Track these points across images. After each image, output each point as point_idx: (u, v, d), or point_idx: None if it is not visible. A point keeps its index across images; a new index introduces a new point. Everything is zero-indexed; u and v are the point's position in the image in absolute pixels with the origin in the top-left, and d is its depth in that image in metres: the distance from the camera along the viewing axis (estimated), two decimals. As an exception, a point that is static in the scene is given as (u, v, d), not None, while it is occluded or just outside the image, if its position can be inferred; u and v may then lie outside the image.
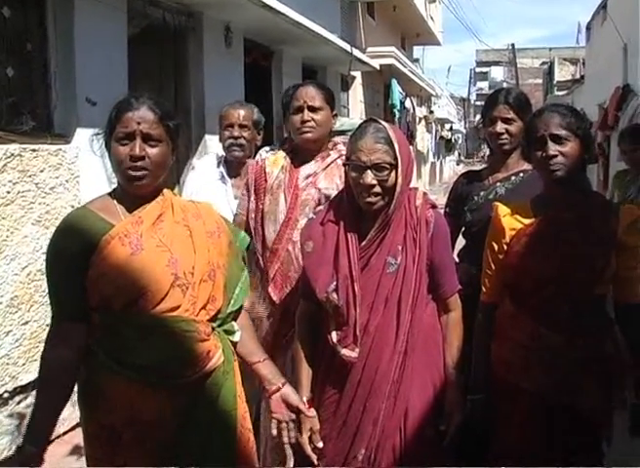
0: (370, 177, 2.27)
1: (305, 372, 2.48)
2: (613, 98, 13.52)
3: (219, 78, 7.03)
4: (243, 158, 3.63)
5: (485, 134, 3.18)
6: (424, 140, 23.08)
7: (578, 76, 23.44)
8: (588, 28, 19.79)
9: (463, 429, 2.41)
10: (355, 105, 14.26)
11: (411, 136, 18.28)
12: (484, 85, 62.86)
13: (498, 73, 58.32)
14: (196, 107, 6.77)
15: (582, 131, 2.42)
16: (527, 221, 2.49)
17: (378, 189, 2.29)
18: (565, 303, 2.39)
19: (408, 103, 17.29)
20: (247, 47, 8.01)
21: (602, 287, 2.42)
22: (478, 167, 3.74)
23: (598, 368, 2.40)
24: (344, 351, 2.31)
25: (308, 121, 2.95)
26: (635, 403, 2.45)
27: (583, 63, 22.48)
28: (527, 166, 3.03)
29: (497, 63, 53.35)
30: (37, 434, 2.02)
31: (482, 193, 3.11)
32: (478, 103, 62.52)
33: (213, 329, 2.14)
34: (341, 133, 3.84)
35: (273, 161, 3.09)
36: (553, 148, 2.38)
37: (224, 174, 3.66)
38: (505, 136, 3.06)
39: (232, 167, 3.67)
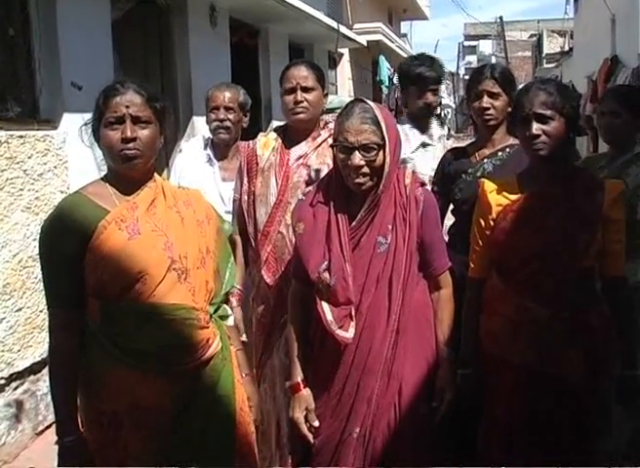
0: (358, 158, 2.28)
1: (299, 353, 2.50)
2: (601, 71, 13.50)
3: (205, 58, 6.99)
4: (229, 140, 3.63)
5: (470, 108, 3.17)
6: (413, 116, 22.97)
7: (566, 48, 23.40)
8: (576, 0, 19.73)
9: (455, 404, 2.45)
10: (343, 83, 14.23)
11: (400, 113, 18.23)
12: (473, 59, 62.52)
13: (486, 47, 58.05)
14: (183, 89, 6.73)
15: (568, 109, 2.43)
16: (513, 197, 2.52)
17: (366, 170, 2.30)
18: (551, 277, 2.42)
19: (396, 79, 17.22)
20: (232, 26, 7.95)
21: (588, 260, 2.45)
22: (467, 141, 3.74)
23: (584, 340, 2.44)
24: (338, 331, 2.33)
25: (301, 101, 2.95)
26: (621, 374, 2.50)
27: (572, 35, 22.44)
28: (513, 140, 3.04)
29: (485, 37, 53.08)
30: (67, 424, 2.07)
31: (470, 170, 3.12)
32: (467, 77, 62.24)
33: (210, 316, 2.17)
34: (330, 110, 3.84)
35: (264, 143, 3.09)
36: (537, 127, 2.41)
37: (212, 156, 3.65)
38: (491, 110, 3.06)
39: (219, 149, 3.66)
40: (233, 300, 3.00)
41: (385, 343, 2.36)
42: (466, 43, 59.47)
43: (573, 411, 2.46)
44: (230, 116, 3.58)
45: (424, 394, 2.42)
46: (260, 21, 8.86)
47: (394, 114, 17.57)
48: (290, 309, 2.60)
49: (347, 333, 2.34)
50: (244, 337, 2.99)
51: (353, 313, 2.34)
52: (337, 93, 13.64)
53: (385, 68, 15.53)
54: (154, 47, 6.62)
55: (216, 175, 3.60)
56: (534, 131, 2.40)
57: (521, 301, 2.47)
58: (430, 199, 2.49)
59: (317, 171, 2.97)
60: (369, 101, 2.38)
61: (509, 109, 2.98)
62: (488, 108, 3.06)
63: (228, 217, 3.15)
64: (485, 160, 3.11)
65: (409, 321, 2.39)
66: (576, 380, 2.44)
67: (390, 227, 2.37)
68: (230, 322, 2.35)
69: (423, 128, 3.80)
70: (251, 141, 3.16)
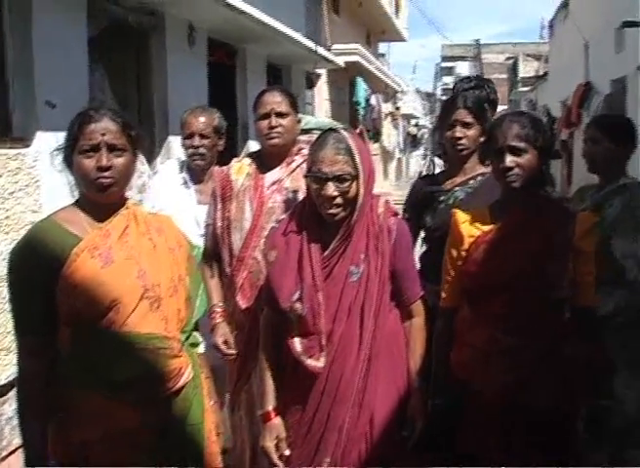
0: (331, 189, 2.29)
1: (271, 381, 2.49)
2: (575, 96, 13.74)
3: (182, 78, 6.99)
4: (205, 166, 3.62)
5: (443, 138, 3.18)
6: (391, 137, 23.15)
7: (541, 72, 23.73)
8: (551, 25, 20.05)
9: (427, 434, 2.44)
10: (320, 103, 14.29)
11: (377, 134, 18.38)
12: (449, 80, 63.23)
13: (463, 68, 58.64)
14: (160, 108, 6.72)
15: (541, 141, 2.46)
16: (485, 228, 2.54)
17: (339, 200, 2.31)
18: (521, 308, 2.44)
19: (373, 100, 17.37)
20: (211, 46, 7.97)
21: (559, 291, 2.47)
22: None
23: (555, 370, 2.46)
24: (309, 361, 2.33)
25: (276, 126, 2.97)
26: (592, 403, 2.52)
27: (547, 60, 22.79)
28: (484, 169, 3.07)
29: (462, 58, 53.72)
30: (36, 454, 2.04)
31: (442, 198, 3.14)
32: (444, 98, 62.95)
33: (182, 344, 2.16)
34: (307, 131, 3.85)
35: (238, 168, 3.10)
36: (510, 160, 2.43)
37: (187, 179, 3.64)
38: (464, 140, 3.09)
39: (195, 172, 3.66)
40: (217, 317, 2.99)
41: (357, 372, 2.35)
42: (444, 64, 60.15)
43: (545, 442, 2.47)
44: (205, 142, 3.57)
45: (396, 423, 2.42)
46: (238, 41, 8.89)
47: (372, 136, 17.70)
48: (262, 337, 2.59)
49: (318, 363, 2.33)
50: (234, 350, 2.99)
51: (324, 342, 2.34)
52: (313, 113, 13.71)
53: (362, 89, 15.67)
54: (132, 65, 6.61)
55: (192, 198, 3.59)
56: (507, 163, 2.43)
57: (492, 332, 2.48)
58: (403, 228, 2.50)
59: (292, 196, 2.97)
60: (343, 131, 2.38)
61: (481, 138, 3.02)
62: (461, 138, 3.08)
63: (203, 240, 3.15)
64: (457, 188, 3.13)
65: (381, 350, 2.39)
66: (547, 410, 2.45)
67: (363, 257, 2.37)
68: (201, 349, 2.34)
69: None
70: (225, 167, 3.16)
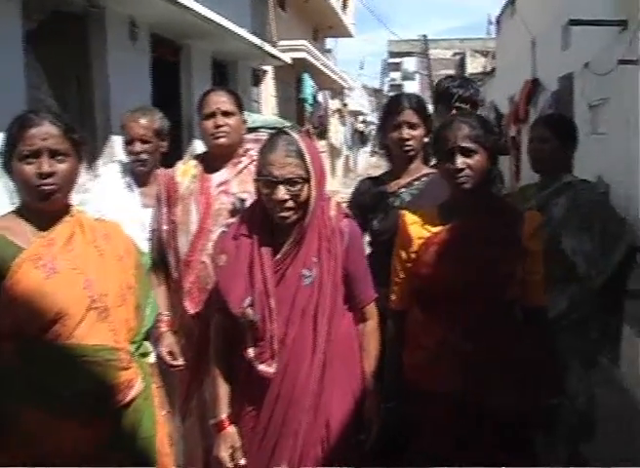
0: (282, 192, 2.29)
1: (223, 388, 2.48)
2: (523, 92, 14.03)
3: (124, 74, 6.92)
4: (148, 170, 3.55)
5: (387, 139, 3.19)
6: (338, 133, 23.24)
7: (489, 68, 24.12)
8: (498, 21, 20.39)
9: (383, 437, 2.47)
10: (267, 100, 14.28)
11: (324, 131, 18.43)
12: (397, 75, 63.84)
13: (410, 64, 59.37)
14: (101, 106, 6.64)
15: (490, 142, 2.51)
16: (434, 229, 2.56)
17: (291, 204, 2.31)
18: (473, 310, 2.47)
19: (320, 97, 17.42)
20: (153, 41, 7.92)
21: (510, 292, 2.51)
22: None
23: (508, 370, 2.49)
24: (262, 366, 2.33)
25: (222, 126, 2.96)
26: (549, 404, 2.57)
27: (494, 56, 23.16)
28: (427, 170, 3.12)
29: (409, 54, 54.23)
30: None
31: (387, 201, 3.15)
32: (391, 94, 63.32)
33: (132, 355, 2.14)
34: (253, 129, 3.84)
35: (183, 170, 3.07)
36: (461, 161, 2.46)
37: (131, 182, 3.58)
38: (411, 141, 3.10)
39: (139, 175, 3.60)
40: (162, 326, 2.95)
41: (312, 376, 2.36)
42: (391, 60, 60.70)
43: (501, 442, 2.50)
44: (146, 147, 3.48)
45: (352, 427, 2.44)
46: (182, 38, 8.83)
47: (319, 133, 17.72)
48: (213, 343, 2.57)
49: (271, 368, 2.34)
50: (181, 361, 2.96)
51: (277, 347, 2.34)
52: (260, 111, 13.68)
53: (309, 86, 15.70)
54: (71, 61, 6.49)
55: (136, 201, 3.54)
56: (458, 164, 2.46)
57: (444, 334, 2.50)
58: (355, 230, 2.52)
59: (240, 198, 2.96)
60: (293, 133, 2.38)
61: (426, 139, 3.08)
62: (408, 139, 3.10)
63: (149, 244, 3.11)
64: (402, 190, 3.14)
65: (335, 353, 2.40)
66: (502, 411, 2.48)
67: (315, 260, 2.38)
68: (152, 359, 2.32)
69: None
70: (169, 169, 3.13)
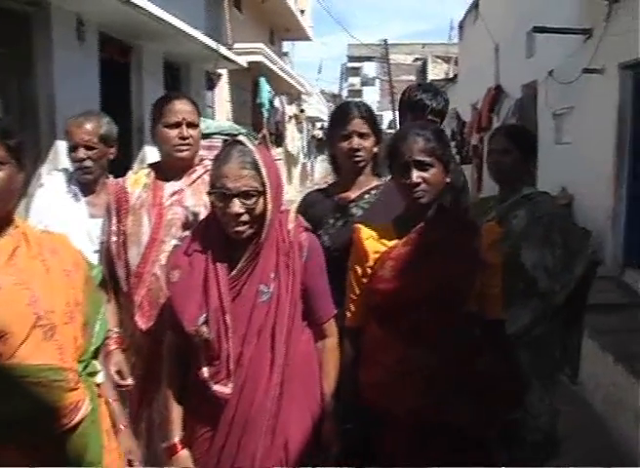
0: (237, 206, 2.28)
1: (176, 410, 2.46)
2: (485, 99, 14.21)
3: (71, 76, 6.82)
4: (94, 179, 3.48)
5: (335, 149, 3.16)
6: (295, 140, 23.24)
7: (451, 74, 24.44)
8: (461, 26, 20.67)
9: (341, 459, 2.47)
10: (221, 105, 14.25)
11: (280, 137, 18.42)
12: (356, 81, 64.36)
13: (370, 69, 59.91)
14: (46, 110, 6.53)
15: (446, 155, 2.54)
16: (390, 244, 2.57)
17: (246, 217, 2.31)
18: (433, 325, 2.49)
19: (277, 102, 17.42)
20: (102, 41, 7.84)
21: (470, 305, 2.53)
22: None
23: (471, 386, 2.51)
24: (217, 387, 2.32)
25: (188, 138, 2.97)
26: (509, 418, 2.60)
27: (457, 62, 23.47)
28: (377, 182, 3.13)
29: (369, 59, 54.71)
30: None
31: (337, 215, 3.12)
32: (350, 100, 63.77)
33: (79, 375, 2.08)
34: (207, 136, 3.81)
35: (135, 180, 3.05)
36: (417, 175, 2.48)
37: (77, 191, 3.51)
38: (362, 151, 3.07)
39: (85, 184, 3.53)
40: (111, 343, 2.91)
41: (269, 397, 2.36)
42: (350, 64, 61.16)
43: (463, 459, 2.51)
44: (91, 153, 3.40)
45: (311, 449, 2.43)
46: (132, 38, 8.76)
47: (276, 139, 17.66)
48: (166, 362, 2.55)
49: (226, 389, 2.33)
50: (129, 381, 2.92)
51: (232, 367, 2.33)
52: (214, 115, 13.63)
53: (266, 91, 15.69)
54: (12, 61, 6.37)
55: (82, 211, 3.47)
56: (414, 179, 2.47)
57: (405, 350, 2.51)
58: (314, 244, 2.53)
59: (194, 208, 2.96)
60: (248, 143, 2.37)
61: (375, 149, 3.08)
62: (358, 149, 3.07)
63: (97, 257, 3.06)
64: (352, 203, 3.12)
65: (294, 373, 2.40)
66: (465, 427, 2.50)
67: (273, 275, 2.38)
68: (100, 378, 2.27)
69: None
70: (120, 179, 3.10)
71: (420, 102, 3.72)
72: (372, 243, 2.60)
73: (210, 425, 2.38)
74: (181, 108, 2.98)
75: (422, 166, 2.48)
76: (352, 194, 3.14)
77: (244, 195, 2.28)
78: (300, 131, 25.76)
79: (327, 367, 2.53)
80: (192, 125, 2.99)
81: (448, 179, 2.58)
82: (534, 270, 3.22)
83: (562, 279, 3.25)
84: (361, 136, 3.07)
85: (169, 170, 3.05)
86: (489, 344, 2.62)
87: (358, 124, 3.07)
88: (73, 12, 6.93)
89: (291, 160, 23.40)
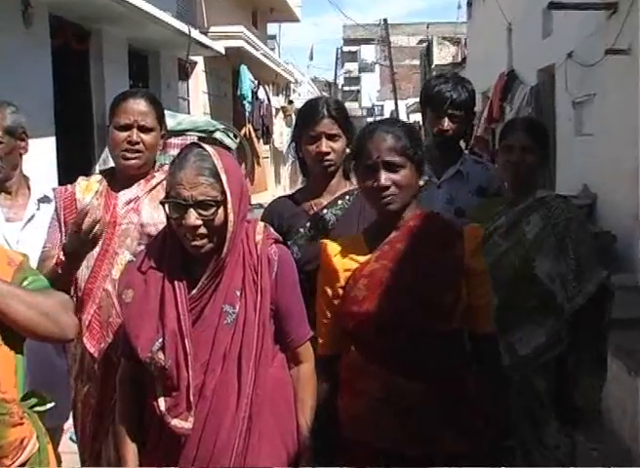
0: (193, 217, 2.29)
1: (130, 448, 2.47)
2: (497, 86, 14.19)
3: (17, 65, 6.81)
4: (5, 177, 3.43)
5: (303, 151, 3.19)
6: (283, 136, 23.27)
7: (459, 58, 24.47)
8: (470, 4, 20.69)
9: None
10: (197, 97, 14.25)
11: (267, 133, 18.42)
12: (353, 67, 64.48)
13: (368, 53, 60.00)
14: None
15: (419, 155, 2.54)
16: (362, 259, 2.58)
17: (204, 230, 2.32)
18: (416, 346, 2.49)
19: (261, 93, 17.42)
20: (54, 26, 7.82)
21: (456, 321, 2.53)
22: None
23: (458, 412, 2.53)
24: (175, 422, 2.32)
25: (137, 143, 2.97)
26: (503, 445, 2.61)
27: (465, 44, 23.50)
28: (350, 186, 3.16)
29: (367, 41, 54.82)
30: None
31: (308, 223, 3.15)
32: (347, 89, 63.94)
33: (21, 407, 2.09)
34: (179, 133, 3.81)
35: (86, 186, 3.07)
36: (386, 177, 2.48)
37: None
38: (332, 155, 3.10)
39: None
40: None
41: (235, 432, 2.36)
42: (346, 48, 61.22)
43: None
44: None
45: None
46: (90, 22, 8.77)
47: (262, 135, 17.61)
48: (119, 394, 2.56)
49: (186, 423, 2.32)
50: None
51: (193, 399, 2.33)
52: (189, 109, 13.64)
53: (248, 80, 15.68)
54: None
55: None
56: (382, 181, 2.47)
57: (387, 376, 2.52)
58: (286, 258, 2.54)
59: (152, 217, 2.98)
60: (207, 147, 2.39)
61: (347, 151, 3.10)
62: (328, 153, 3.09)
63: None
64: (324, 210, 3.15)
65: (264, 404, 2.41)
66: (451, 457, 2.49)
67: (239, 294, 2.39)
68: (49, 405, 2.26)
69: (435, 163, 3.72)
70: (69, 185, 3.12)
71: (439, 95, 3.71)
72: (341, 260, 2.61)
73: (169, 466, 2.37)
74: (134, 108, 2.99)
75: (392, 167, 2.48)
76: (324, 200, 3.18)
77: (201, 205, 2.29)
78: (289, 125, 25.76)
79: (303, 395, 2.54)
80: (145, 129, 2.99)
81: (421, 182, 2.60)
82: (550, 283, 3.21)
83: (570, 291, 3.23)
84: (330, 137, 3.09)
85: (122, 176, 3.08)
86: (476, 361, 2.63)
87: (327, 124, 3.09)
88: (17, -7, 6.93)
89: (279, 158, 23.42)
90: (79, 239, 2.70)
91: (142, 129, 2.98)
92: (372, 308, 2.51)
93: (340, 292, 2.59)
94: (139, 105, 3.00)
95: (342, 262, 2.60)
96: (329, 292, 2.63)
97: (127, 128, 2.97)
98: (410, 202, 2.55)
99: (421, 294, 2.48)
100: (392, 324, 2.49)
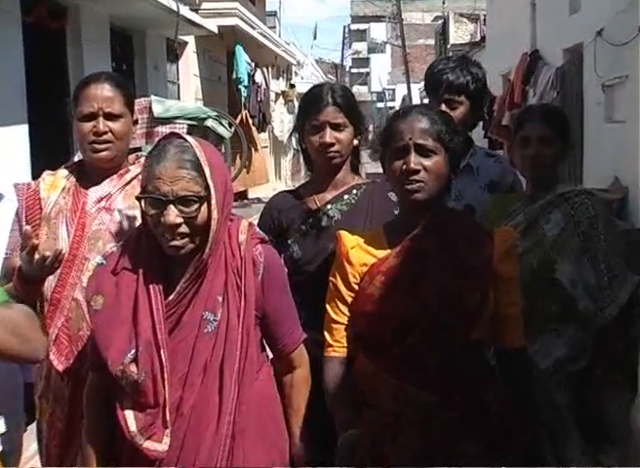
0: (173, 215, 2.29)
1: None
2: (519, 68, 14.16)
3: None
4: None
5: (306, 142, 3.20)
6: (284, 124, 23.29)
7: (478, 37, 24.44)
8: (489, -23, 20.67)
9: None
10: (187, 81, 14.27)
11: (265, 120, 18.42)
12: (362, 47, 64.45)
13: (379, 32, 59.91)
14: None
15: (453, 144, 2.54)
16: (381, 254, 2.58)
17: (184, 229, 2.31)
18: (434, 352, 2.49)
19: (259, 76, 17.43)
20: (26, 3, 7.79)
21: (479, 329, 2.53)
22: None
23: (478, 426, 2.52)
24: (147, 444, 2.31)
25: (105, 133, 2.95)
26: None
27: (484, 21, 23.46)
28: (358, 180, 3.18)
29: (377, 19, 54.78)
30: None
31: (311, 220, 3.16)
32: (354, 71, 63.95)
33: None
34: (167, 120, 3.80)
35: (51, 183, 3.05)
36: (416, 161, 2.48)
37: None
38: (337, 146, 3.10)
39: None
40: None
41: (217, 454, 2.35)
42: (354, 26, 61.24)
43: None
44: None
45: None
46: (67, -3, 8.75)
47: (259, 123, 17.60)
48: (86, 411, 2.56)
49: (160, 445, 2.32)
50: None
51: (169, 417, 2.33)
52: (179, 94, 13.65)
53: (244, 62, 15.69)
54: None
55: None
56: (412, 165, 2.47)
57: (400, 386, 2.51)
58: (273, 258, 2.55)
59: (126, 217, 2.97)
60: (189, 138, 2.39)
61: (355, 142, 3.12)
62: (332, 144, 3.09)
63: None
64: (328, 206, 3.16)
65: (248, 421, 2.41)
66: None
67: (221, 299, 2.39)
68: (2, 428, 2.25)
69: None
70: (33, 181, 3.11)
71: (434, 78, 3.70)
72: (358, 253, 2.61)
73: (143, 491, 2.38)
74: (97, 94, 2.95)
75: (424, 151, 2.48)
76: (329, 195, 3.18)
77: (182, 201, 2.29)
78: (291, 111, 25.77)
79: (297, 403, 2.57)
80: (112, 116, 2.96)
81: (452, 175, 2.59)
82: (572, 288, 3.19)
83: (601, 300, 3.21)
84: (335, 127, 3.09)
85: (92, 171, 3.06)
86: (503, 378, 2.62)
87: (331, 113, 3.09)
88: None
89: (279, 148, 23.44)
90: (33, 264, 2.64)
91: (109, 116, 2.95)
92: (388, 309, 2.51)
93: (356, 288, 2.60)
94: (102, 90, 2.96)
95: (359, 255, 2.60)
96: (342, 288, 2.62)
97: (92, 117, 2.94)
98: (438, 195, 2.54)
99: (444, 294, 2.47)
100: (409, 325, 2.48)
